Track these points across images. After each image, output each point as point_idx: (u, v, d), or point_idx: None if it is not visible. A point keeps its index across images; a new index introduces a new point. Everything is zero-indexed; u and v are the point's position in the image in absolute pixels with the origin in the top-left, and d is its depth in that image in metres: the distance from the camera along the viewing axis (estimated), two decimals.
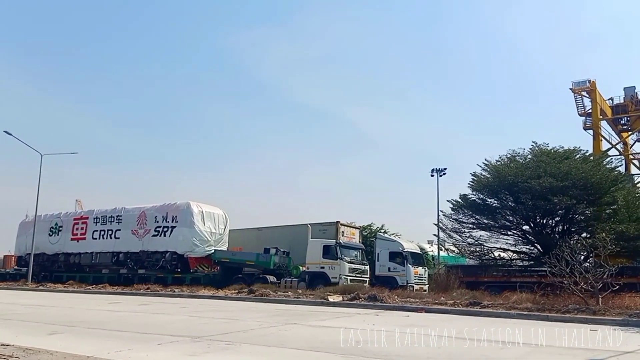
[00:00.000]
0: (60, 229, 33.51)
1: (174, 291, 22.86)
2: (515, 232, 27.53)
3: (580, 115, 43.90)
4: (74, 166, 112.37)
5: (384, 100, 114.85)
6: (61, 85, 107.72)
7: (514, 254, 27.52)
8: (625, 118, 44.93)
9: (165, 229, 28.47)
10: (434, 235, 34.81)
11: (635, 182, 38.73)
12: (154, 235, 28.82)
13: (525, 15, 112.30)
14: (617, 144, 44.91)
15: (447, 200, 29.75)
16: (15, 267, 36.76)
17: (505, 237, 27.67)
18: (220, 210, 30.01)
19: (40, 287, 28.58)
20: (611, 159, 31.34)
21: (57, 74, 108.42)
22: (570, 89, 43.44)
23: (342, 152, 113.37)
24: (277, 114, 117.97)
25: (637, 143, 47.38)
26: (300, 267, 26.15)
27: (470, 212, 27.38)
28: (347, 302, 17.05)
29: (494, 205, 27.26)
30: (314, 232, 27.51)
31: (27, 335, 9.28)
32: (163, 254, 28.26)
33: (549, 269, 15.16)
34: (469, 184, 28.13)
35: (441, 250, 33.86)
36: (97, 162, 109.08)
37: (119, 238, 30.33)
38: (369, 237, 34.94)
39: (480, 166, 28.13)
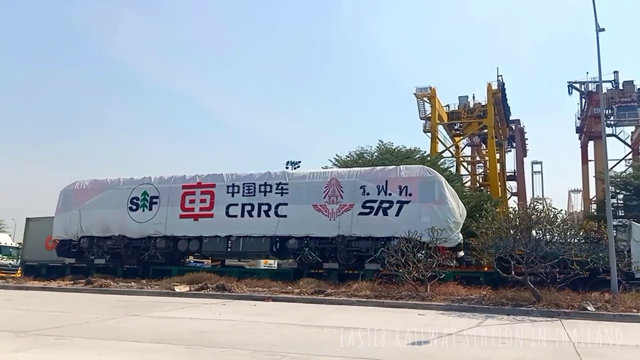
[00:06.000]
0: (155, 200, 22.66)
1: None
2: None
3: (422, 118, 47.82)
4: None
5: (244, 91, 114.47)
6: None
7: None
8: (458, 124, 50.09)
9: (386, 205, 19.54)
10: None
11: (464, 182, 43.37)
12: (361, 214, 19.78)
13: (384, 22, 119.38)
14: (450, 146, 49.83)
15: None
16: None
17: None
18: None
19: None
20: (445, 160, 34.72)
21: None
22: (414, 93, 47.04)
23: (197, 139, 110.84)
24: (127, 94, 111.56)
25: (467, 147, 53.55)
26: None
27: None
28: (195, 292, 16.71)
29: None
30: None
31: None
32: (383, 240, 19.28)
33: (387, 260, 16.32)
34: None
35: None
36: None
37: (284, 216, 20.82)
38: None
39: (332, 161, 29.47)
